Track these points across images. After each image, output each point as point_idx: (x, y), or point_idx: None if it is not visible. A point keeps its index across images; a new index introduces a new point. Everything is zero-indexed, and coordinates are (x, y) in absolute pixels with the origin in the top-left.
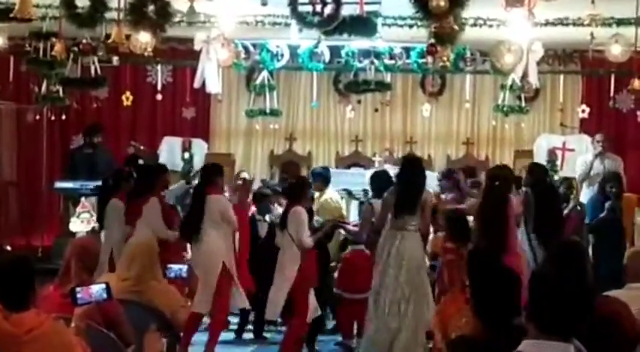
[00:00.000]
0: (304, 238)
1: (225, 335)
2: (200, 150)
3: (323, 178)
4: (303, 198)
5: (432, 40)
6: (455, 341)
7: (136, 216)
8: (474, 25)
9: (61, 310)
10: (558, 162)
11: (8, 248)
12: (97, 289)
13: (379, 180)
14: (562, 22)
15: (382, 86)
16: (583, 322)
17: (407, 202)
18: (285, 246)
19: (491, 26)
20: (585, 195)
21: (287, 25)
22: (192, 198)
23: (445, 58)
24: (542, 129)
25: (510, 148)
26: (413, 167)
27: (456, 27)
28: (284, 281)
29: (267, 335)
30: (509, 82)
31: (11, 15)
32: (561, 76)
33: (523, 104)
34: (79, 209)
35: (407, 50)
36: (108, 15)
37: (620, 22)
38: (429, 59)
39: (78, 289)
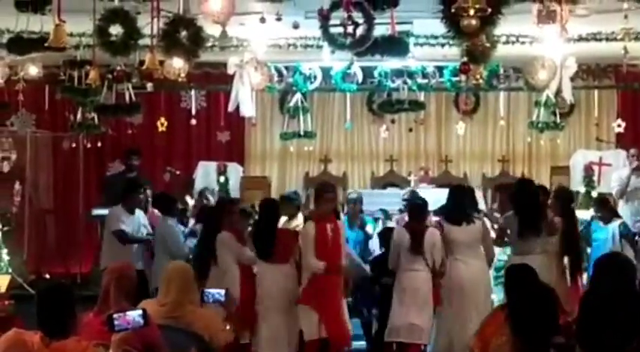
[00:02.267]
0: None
1: None
2: (235, 173)
3: (294, 204)
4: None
5: (465, 59)
6: None
7: None
8: (507, 42)
9: (100, 337)
10: (595, 178)
11: (47, 276)
12: (134, 315)
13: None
14: (595, 37)
15: (416, 105)
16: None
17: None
18: None
19: (523, 43)
20: (623, 210)
21: (319, 47)
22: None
23: (478, 76)
24: (578, 144)
25: (546, 164)
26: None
27: (488, 45)
28: None
29: None
30: (543, 98)
31: (46, 44)
32: (596, 91)
33: (558, 120)
34: None
35: (440, 69)
36: (141, 42)
37: None
38: (463, 77)
39: (115, 316)
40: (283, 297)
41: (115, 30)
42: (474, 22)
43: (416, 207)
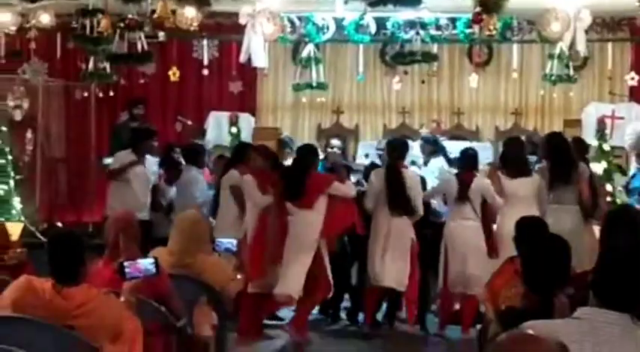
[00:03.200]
0: None
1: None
2: (247, 124)
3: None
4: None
5: (478, 9)
6: (505, 312)
7: None
8: None
9: (110, 285)
10: (607, 131)
11: (59, 224)
12: (145, 263)
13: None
14: None
15: (429, 57)
16: None
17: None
18: None
19: None
20: (635, 164)
21: None
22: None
23: (492, 27)
24: (591, 97)
25: (559, 117)
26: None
27: None
28: None
29: None
30: (557, 51)
31: None
32: (610, 44)
33: (571, 73)
34: None
35: (453, 20)
36: None
37: None
38: (476, 29)
39: (126, 264)
40: (304, 241)
41: None
42: None
43: (470, 156)
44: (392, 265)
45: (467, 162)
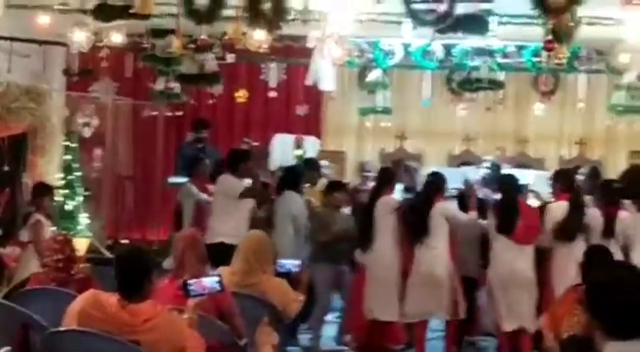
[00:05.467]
0: None
1: None
2: (312, 147)
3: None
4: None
5: (550, 37)
6: (567, 341)
7: None
8: (590, 23)
9: (175, 302)
10: None
11: (124, 241)
12: (209, 281)
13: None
14: None
15: (495, 85)
16: None
17: None
18: None
19: (607, 25)
20: None
21: (400, 23)
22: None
23: (561, 56)
24: None
25: (625, 148)
26: None
27: (572, 24)
28: None
29: None
30: (624, 82)
31: (131, 11)
32: None
33: (638, 104)
34: None
35: (520, 48)
36: (224, 12)
37: None
38: (544, 57)
39: (191, 281)
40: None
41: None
42: None
43: (614, 190)
44: None
45: (611, 196)
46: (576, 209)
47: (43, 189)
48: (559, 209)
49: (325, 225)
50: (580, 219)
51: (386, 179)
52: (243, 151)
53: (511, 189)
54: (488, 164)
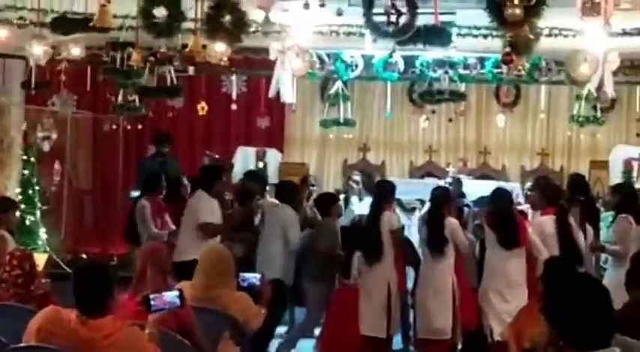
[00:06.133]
0: None
1: None
2: (274, 159)
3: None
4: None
5: (508, 49)
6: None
7: None
8: (549, 35)
9: (135, 317)
10: (634, 173)
11: (83, 255)
12: (170, 296)
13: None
14: (639, 32)
15: (456, 96)
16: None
17: None
18: None
19: (566, 36)
20: None
21: (362, 35)
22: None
23: (520, 68)
24: (619, 139)
25: (586, 159)
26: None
27: (531, 36)
28: None
29: None
30: (584, 93)
31: (90, 25)
32: (638, 87)
33: (599, 115)
34: None
35: (481, 60)
36: (184, 25)
37: None
38: (505, 69)
39: (152, 296)
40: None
41: (159, 12)
42: (518, 11)
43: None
44: None
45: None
46: (564, 226)
47: (8, 204)
48: (546, 224)
49: (333, 234)
50: (570, 236)
51: (385, 192)
52: (216, 167)
53: (505, 202)
54: (449, 180)
